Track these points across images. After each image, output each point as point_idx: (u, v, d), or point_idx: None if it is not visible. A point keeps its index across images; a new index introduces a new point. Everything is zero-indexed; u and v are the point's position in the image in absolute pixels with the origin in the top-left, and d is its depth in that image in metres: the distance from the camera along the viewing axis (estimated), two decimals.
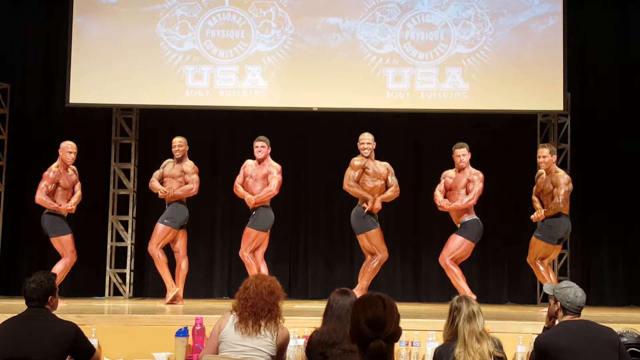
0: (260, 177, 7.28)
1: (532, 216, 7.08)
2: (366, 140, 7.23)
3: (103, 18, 8.55)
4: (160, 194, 7.41)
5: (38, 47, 9.17)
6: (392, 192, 7.28)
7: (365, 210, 7.14)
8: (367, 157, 7.22)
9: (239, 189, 7.34)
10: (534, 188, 7.19)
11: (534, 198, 7.16)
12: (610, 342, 3.81)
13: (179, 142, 7.46)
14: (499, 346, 3.85)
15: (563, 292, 3.94)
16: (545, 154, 6.92)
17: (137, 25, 8.53)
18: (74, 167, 7.34)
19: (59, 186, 7.15)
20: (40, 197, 7.05)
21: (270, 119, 8.70)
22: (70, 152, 7.18)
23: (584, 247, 8.95)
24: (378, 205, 7.17)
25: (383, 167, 7.29)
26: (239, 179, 7.38)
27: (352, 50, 8.45)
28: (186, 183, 7.41)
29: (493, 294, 8.91)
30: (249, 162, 7.42)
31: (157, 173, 7.56)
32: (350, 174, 7.22)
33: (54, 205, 7.09)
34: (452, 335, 3.83)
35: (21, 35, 9.14)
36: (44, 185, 7.06)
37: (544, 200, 7.05)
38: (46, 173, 7.12)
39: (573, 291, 3.91)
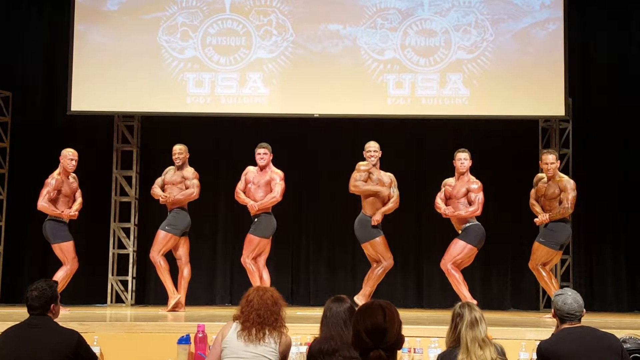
0: (262, 183, 7.28)
1: (536, 219, 7.09)
2: (373, 148, 7.20)
3: (104, 26, 8.56)
4: (160, 200, 7.42)
5: (39, 55, 9.18)
6: (393, 203, 7.27)
7: (373, 223, 7.11)
8: (373, 166, 7.21)
9: (240, 196, 7.34)
10: (533, 192, 7.22)
11: (533, 202, 7.18)
12: (613, 348, 3.80)
13: (179, 150, 7.48)
14: (501, 353, 3.83)
15: (554, 300, 3.94)
16: (552, 160, 7.01)
17: (138, 33, 8.54)
18: (74, 174, 7.35)
19: (60, 193, 7.17)
20: (42, 203, 7.08)
21: (272, 125, 8.70)
22: (72, 160, 7.21)
23: (586, 252, 8.93)
24: (378, 218, 7.17)
25: (387, 177, 7.28)
26: (240, 185, 7.38)
27: (352, 57, 8.45)
28: (187, 189, 7.42)
29: (495, 300, 8.88)
30: (251, 169, 7.42)
31: (158, 180, 7.58)
32: (356, 176, 7.19)
33: (57, 212, 7.11)
34: (454, 341, 3.82)
35: (23, 43, 9.15)
36: (45, 192, 7.09)
37: (546, 205, 7.07)
38: (48, 180, 7.15)
39: (562, 298, 3.90)
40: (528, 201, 7.30)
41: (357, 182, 7.18)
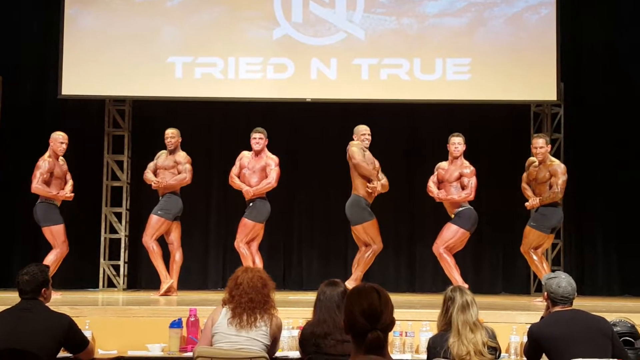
0: (257, 169, 7.26)
1: (527, 203, 7.12)
2: (368, 132, 7.17)
3: (95, 9, 8.50)
4: (153, 185, 7.40)
5: (30, 39, 9.11)
6: (386, 182, 7.26)
7: (367, 187, 7.06)
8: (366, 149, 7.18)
9: (235, 180, 7.32)
10: (524, 176, 7.24)
11: (525, 186, 7.20)
12: (603, 331, 3.83)
13: (171, 134, 7.44)
14: (492, 336, 3.86)
15: (548, 283, 3.96)
16: (541, 145, 7.00)
17: (129, 16, 8.48)
18: (62, 157, 7.31)
19: (52, 176, 7.13)
20: (37, 185, 7.01)
21: (264, 110, 8.68)
22: (62, 143, 7.16)
23: (577, 237, 8.97)
24: (379, 189, 7.13)
25: (376, 161, 7.27)
26: (234, 170, 7.36)
27: (346, 42, 8.42)
28: (179, 173, 7.40)
29: (487, 284, 8.93)
30: (245, 154, 7.39)
31: (151, 165, 7.55)
32: (361, 154, 7.08)
33: (52, 193, 7.07)
34: (446, 325, 3.84)
35: (13, 27, 9.07)
36: (39, 175, 7.03)
37: (537, 189, 7.09)
38: (39, 163, 7.09)
39: (556, 281, 3.93)
40: (520, 185, 7.32)
41: (363, 161, 7.09)
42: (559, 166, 7.03)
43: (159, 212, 7.36)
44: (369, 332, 2.44)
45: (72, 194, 7.22)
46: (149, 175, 7.48)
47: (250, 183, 7.23)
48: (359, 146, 7.14)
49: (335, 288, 3.90)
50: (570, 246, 8.93)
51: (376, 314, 2.46)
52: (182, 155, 7.44)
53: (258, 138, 7.26)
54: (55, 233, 7.10)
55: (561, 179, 6.94)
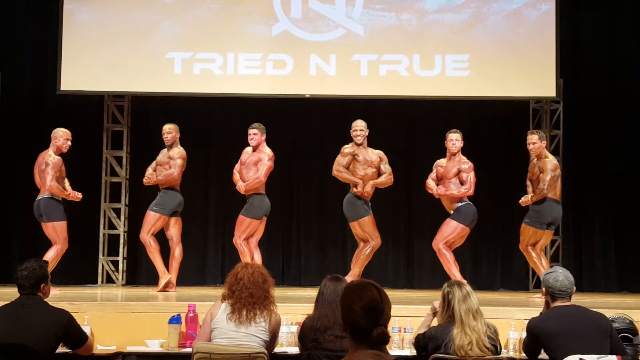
0: (252, 163, 7.26)
1: (520, 200, 7.11)
2: (359, 127, 7.21)
3: (94, 4, 8.49)
4: (144, 180, 7.42)
5: (29, 34, 9.10)
6: (385, 178, 7.27)
7: (353, 192, 7.10)
8: (359, 145, 7.20)
9: (235, 176, 7.33)
10: (528, 173, 7.23)
11: (527, 182, 7.21)
12: (602, 327, 3.83)
13: (168, 129, 7.39)
14: (494, 332, 3.88)
15: (545, 278, 3.98)
16: (535, 140, 6.96)
17: (128, 12, 8.47)
18: None
19: (59, 174, 7.10)
20: (52, 184, 6.91)
21: (263, 105, 8.67)
22: (67, 140, 7.10)
23: (576, 233, 8.98)
24: (369, 189, 7.14)
25: (375, 155, 7.27)
26: (236, 166, 7.37)
27: (345, 38, 8.41)
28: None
29: (485, 280, 8.92)
30: (247, 149, 7.39)
31: (153, 163, 7.53)
32: (340, 160, 7.21)
33: (65, 193, 7.05)
34: (448, 318, 3.86)
35: (12, 22, 9.06)
36: (52, 172, 6.92)
37: (534, 185, 7.08)
38: (48, 160, 6.95)
39: (553, 276, 3.95)
40: (518, 182, 7.31)
41: (340, 167, 7.18)
42: (549, 162, 6.96)
43: (154, 207, 7.34)
44: (374, 328, 2.41)
45: (81, 194, 7.21)
46: (147, 171, 7.47)
47: (246, 178, 7.23)
48: (345, 153, 7.16)
49: (339, 283, 3.92)
50: (569, 243, 8.94)
51: (378, 310, 2.43)
52: (175, 151, 7.37)
53: (253, 134, 7.24)
54: (59, 229, 7.05)
55: (548, 175, 6.87)
